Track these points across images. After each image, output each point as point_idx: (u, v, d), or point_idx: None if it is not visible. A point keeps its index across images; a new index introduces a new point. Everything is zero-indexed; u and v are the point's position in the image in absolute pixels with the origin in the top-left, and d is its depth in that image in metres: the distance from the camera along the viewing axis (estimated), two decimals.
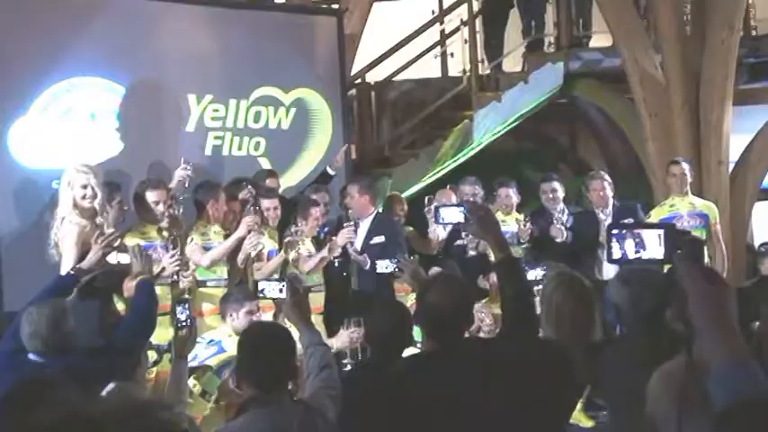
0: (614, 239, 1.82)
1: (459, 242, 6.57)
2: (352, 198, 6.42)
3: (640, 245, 1.82)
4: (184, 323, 3.71)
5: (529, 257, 6.44)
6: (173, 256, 5.21)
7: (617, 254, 1.84)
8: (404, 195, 7.45)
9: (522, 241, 6.71)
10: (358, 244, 6.34)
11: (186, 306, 3.77)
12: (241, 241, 5.64)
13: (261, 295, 3.98)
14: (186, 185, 5.91)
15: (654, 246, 1.80)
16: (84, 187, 4.73)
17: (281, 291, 3.76)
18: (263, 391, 2.97)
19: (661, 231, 1.82)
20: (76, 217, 4.66)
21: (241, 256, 5.67)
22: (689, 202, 6.99)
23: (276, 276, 5.38)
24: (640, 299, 3.09)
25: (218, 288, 5.55)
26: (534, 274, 5.11)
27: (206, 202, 5.85)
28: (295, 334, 3.22)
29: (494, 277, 5.92)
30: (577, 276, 3.37)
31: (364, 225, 6.43)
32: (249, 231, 5.60)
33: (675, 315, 1.79)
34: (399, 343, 3.55)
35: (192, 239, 5.57)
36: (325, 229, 5.98)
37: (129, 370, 3.58)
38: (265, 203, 5.96)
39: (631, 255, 1.82)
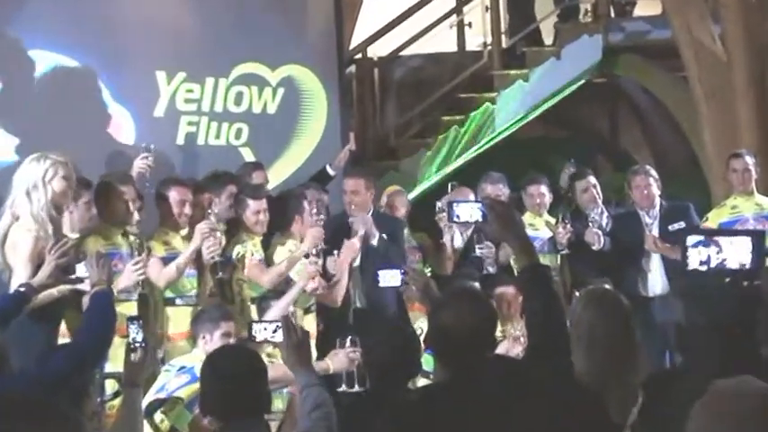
0: (691, 247, 1.80)
1: (478, 250, 6.50)
2: (357, 194, 6.38)
3: (719, 254, 1.80)
4: (138, 344, 3.70)
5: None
6: (137, 262, 5.19)
7: (694, 263, 1.82)
8: (410, 195, 7.42)
9: (560, 247, 6.66)
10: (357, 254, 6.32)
11: (139, 324, 3.76)
12: (198, 252, 5.62)
13: (252, 339, 3.98)
14: (147, 177, 5.87)
15: (737, 255, 1.78)
16: (67, 179, 4.66)
17: (274, 332, 3.77)
18: (231, 423, 3.02)
19: (747, 239, 1.80)
20: (34, 223, 4.55)
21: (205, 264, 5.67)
22: (755, 202, 6.93)
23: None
24: (711, 319, 3.00)
25: (188, 306, 5.54)
26: None
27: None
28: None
29: (501, 289, 5.84)
30: (611, 292, 3.35)
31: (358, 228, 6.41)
32: (205, 241, 5.56)
33: (764, 338, 1.76)
34: (402, 371, 3.55)
35: (150, 251, 5.50)
36: (313, 215, 5.93)
37: (75, 400, 3.54)
38: (252, 206, 5.93)
39: (711, 264, 1.80)
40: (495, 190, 6.77)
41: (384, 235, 6.27)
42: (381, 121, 8.99)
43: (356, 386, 4.77)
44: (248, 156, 7.24)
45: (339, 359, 4.88)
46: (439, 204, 6.53)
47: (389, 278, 4.97)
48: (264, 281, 5.78)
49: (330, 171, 6.86)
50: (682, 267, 1.78)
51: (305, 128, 7.63)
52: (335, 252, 5.94)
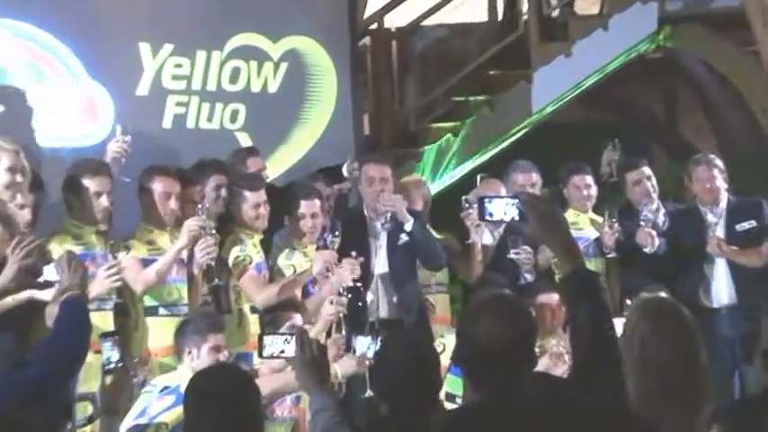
0: None
1: (513, 255, 6.47)
2: (387, 182, 6.32)
3: None
4: (113, 364, 3.67)
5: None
6: (111, 267, 5.17)
7: None
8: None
9: (606, 250, 6.62)
10: (379, 257, 6.27)
11: (114, 340, 3.73)
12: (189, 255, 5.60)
13: (264, 355, 3.99)
14: (122, 164, 5.83)
15: None
16: (13, 171, 4.60)
17: (285, 345, 3.77)
18: None
19: None
20: None
21: (195, 270, 5.65)
22: None
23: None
24: None
25: (173, 317, 5.51)
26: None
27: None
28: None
29: (544, 297, 5.81)
30: (671, 302, 3.32)
31: (378, 225, 6.38)
32: (195, 240, 5.53)
33: None
34: (420, 392, 3.53)
35: (129, 251, 5.50)
36: (326, 236, 5.90)
37: (47, 426, 3.53)
38: (250, 198, 5.91)
39: None
40: (527, 180, 6.77)
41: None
42: (400, 102, 8.98)
43: (368, 391, 4.78)
44: (245, 141, 7.21)
45: (347, 363, 4.98)
46: (466, 200, 6.49)
47: (366, 346, 4.95)
48: (258, 300, 5.77)
49: (345, 172, 6.76)
50: None
51: (311, 110, 7.61)
52: (353, 254, 5.88)
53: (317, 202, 6.12)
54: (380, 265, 6.32)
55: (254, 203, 5.92)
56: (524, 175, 6.81)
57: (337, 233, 5.85)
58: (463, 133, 8.63)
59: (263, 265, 5.93)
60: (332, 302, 5.57)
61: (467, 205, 6.44)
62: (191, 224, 5.53)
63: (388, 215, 6.26)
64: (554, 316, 5.70)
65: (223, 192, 5.96)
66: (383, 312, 6.26)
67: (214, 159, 6.19)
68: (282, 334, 3.89)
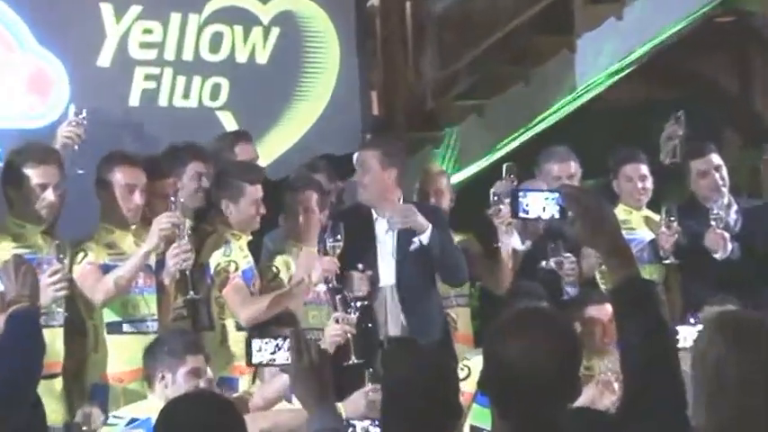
0: None
1: (554, 264, 6.44)
2: (367, 173, 6.34)
3: None
4: None
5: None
6: (55, 272, 5.15)
7: None
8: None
9: (663, 255, 6.64)
10: (386, 265, 6.26)
11: None
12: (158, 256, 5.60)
13: (252, 362, 4.00)
14: (76, 151, 5.82)
15: None
16: None
17: (274, 353, 3.77)
18: None
19: None
20: None
21: (166, 280, 5.64)
22: None
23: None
24: None
25: (141, 334, 5.52)
26: (686, 333, 4.98)
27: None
28: None
29: (594, 309, 5.82)
30: (751, 318, 3.30)
31: (382, 225, 6.36)
32: (167, 241, 5.52)
33: None
34: (435, 420, 3.53)
35: (86, 255, 5.54)
36: (326, 239, 5.88)
37: None
38: (250, 193, 5.89)
39: None
40: (563, 170, 6.79)
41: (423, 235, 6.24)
42: (416, 74, 8.98)
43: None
44: (229, 122, 7.27)
45: (354, 402, 4.97)
46: (496, 194, 6.49)
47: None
48: (243, 316, 5.79)
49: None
50: None
51: (309, 85, 7.66)
52: (360, 266, 5.91)
53: (315, 195, 6.13)
54: (388, 274, 6.30)
55: (253, 199, 5.93)
56: (560, 165, 6.82)
57: (339, 237, 5.84)
58: (491, 113, 8.64)
59: (251, 273, 5.94)
60: (338, 321, 5.57)
61: (496, 199, 6.44)
62: (162, 221, 5.51)
63: (396, 228, 6.21)
64: (605, 332, 5.69)
65: (204, 182, 5.97)
66: (394, 332, 6.24)
67: (189, 143, 6.17)
68: (275, 337, 3.89)
